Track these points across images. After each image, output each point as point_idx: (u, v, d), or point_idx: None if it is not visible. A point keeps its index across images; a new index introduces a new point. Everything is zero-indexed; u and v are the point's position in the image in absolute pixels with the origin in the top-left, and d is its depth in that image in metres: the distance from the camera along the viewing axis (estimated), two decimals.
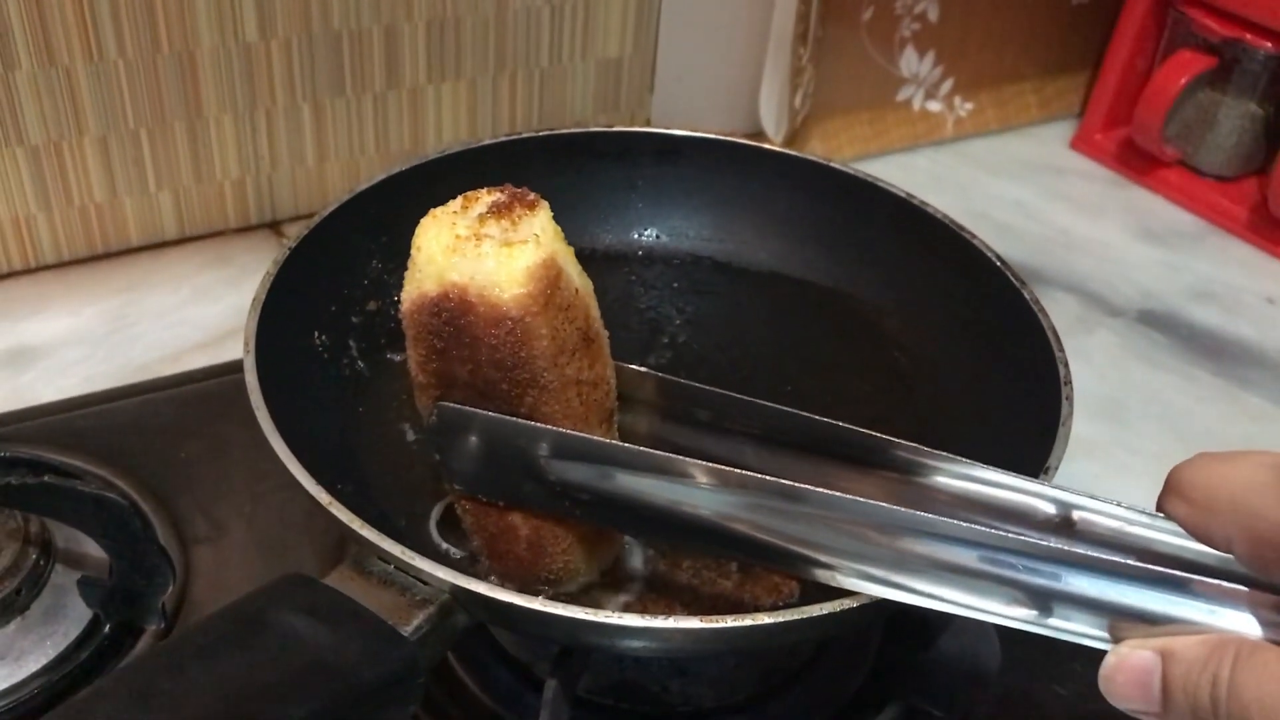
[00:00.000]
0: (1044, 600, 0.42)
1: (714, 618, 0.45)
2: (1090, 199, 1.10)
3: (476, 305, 0.47)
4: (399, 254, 0.66)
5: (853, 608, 0.46)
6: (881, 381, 0.67)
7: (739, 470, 0.46)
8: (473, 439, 0.50)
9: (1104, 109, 1.13)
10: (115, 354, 0.81)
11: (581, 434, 0.50)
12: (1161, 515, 0.43)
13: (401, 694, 0.44)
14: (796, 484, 0.45)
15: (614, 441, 0.51)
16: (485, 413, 0.50)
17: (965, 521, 0.43)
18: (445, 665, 0.60)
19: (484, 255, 0.46)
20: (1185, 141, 1.08)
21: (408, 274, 0.49)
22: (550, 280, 0.47)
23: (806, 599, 0.55)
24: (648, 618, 0.46)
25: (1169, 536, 0.43)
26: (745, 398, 0.54)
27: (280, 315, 0.58)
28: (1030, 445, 0.54)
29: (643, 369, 0.57)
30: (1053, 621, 0.42)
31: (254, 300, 0.58)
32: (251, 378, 0.53)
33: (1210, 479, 0.41)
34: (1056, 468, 0.52)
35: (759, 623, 0.45)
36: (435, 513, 0.60)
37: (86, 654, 0.59)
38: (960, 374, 0.65)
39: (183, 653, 0.41)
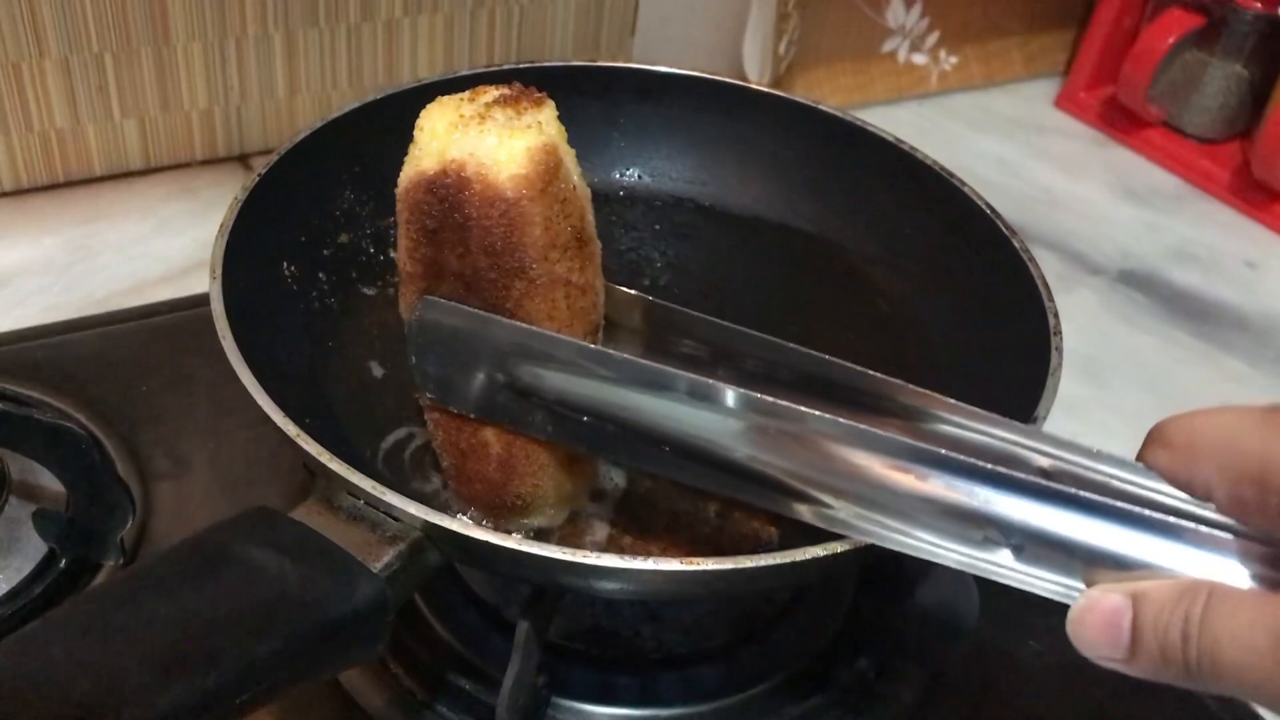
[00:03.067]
0: (1020, 540, 0.41)
1: (693, 560, 0.44)
2: (1073, 157, 1.09)
3: (473, 183, 0.47)
4: (371, 185, 0.65)
5: (836, 553, 0.44)
6: (865, 330, 0.66)
7: (730, 386, 0.45)
8: (452, 339, 0.49)
9: (1089, 67, 1.12)
10: (76, 285, 0.78)
11: (562, 336, 0.49)
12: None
13: (369, 632, 0.43)
14: (788, 404, 0.44)
15: (596, 346, 0.50)
16: (469, 308, 0.49)
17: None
18: (412, 606, 0.58)
19: (486, 133, 0.47)
20: (1170, 102, 1.07)
21: (408, 155, 0.48)
22: (549, 167, 0.47)
23: (785, 546, 0.54)
24: (626, 558, 0.44)
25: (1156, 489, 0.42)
26: (740, 328, 0.53)
27: (248, 244, 0.56)
28: (1017, 395, 0.53)
29: (633, 291, 0.55)
30: (1027, 567, 0.41)
31: (221, 226, 0.55)
32: (218, 305, 0.51)
33: (1194, 424, 0.40)
34: (1045, 417, 0.50)
35: (740, 566, 0.44)
36: (386, 443, 0.59)
37: (41, 589, 0.57)
38: (946, 323, 0.64)
39: (141, 584, 0.39)
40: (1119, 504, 0.39)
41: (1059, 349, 0.54)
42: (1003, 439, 0.45)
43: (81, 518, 0.58)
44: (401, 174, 0.48)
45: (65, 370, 0.69)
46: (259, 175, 0.59)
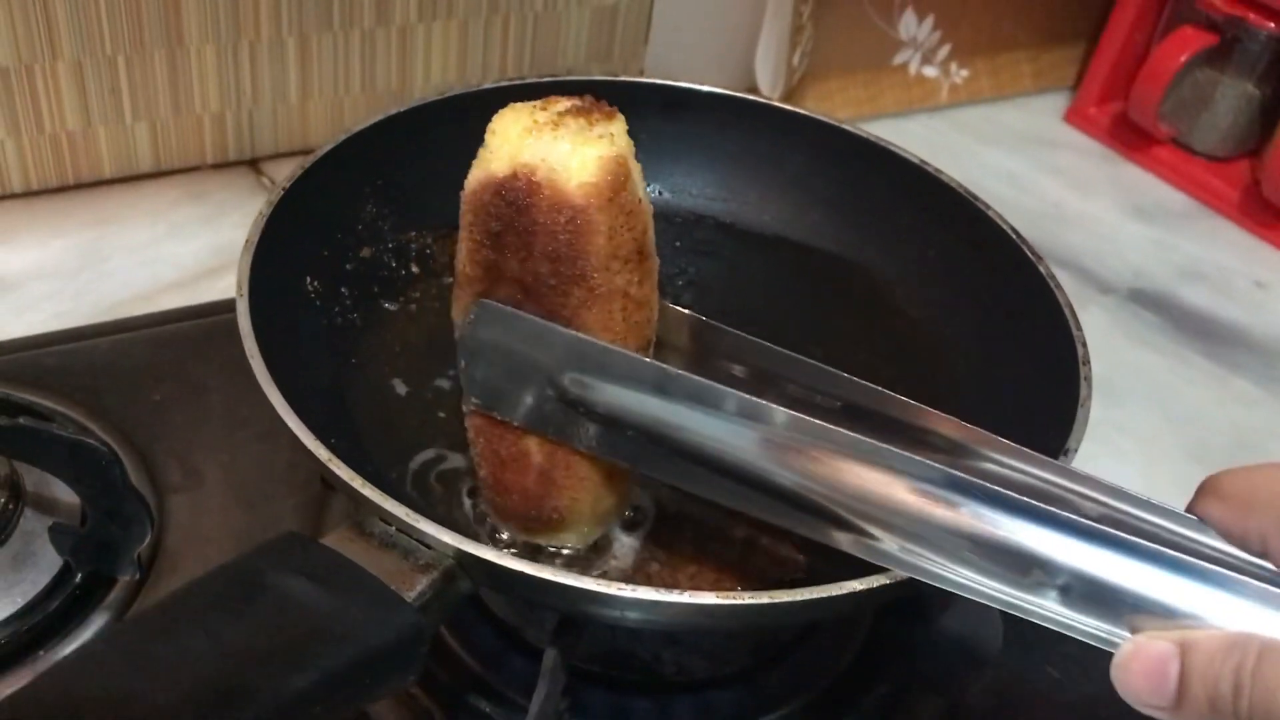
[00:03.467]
0: (1067, 582, 0.41)
1: (728, 594, 0.44)
2: (1082, 173, 1.09)
3: (543, 188, 0.47)
4: (392, 199, 0.65)
5: (873, 588, 0.44)
6: (887, 353, 0.65)
7: (780, 408, 0.45)
8: (506, 345, 0.49)
9: (1100, 83, 1.12)
10: (86, 290, 0.77)
11: (617, 348, 0.49)
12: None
13: (403, 662, 0.42)
14: (839, 429, 0.43)
15: (653, 361, 0.49)
16: (525, 314, 0.49)
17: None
18: None
19: (559, 140, 0.47)
20: (1180, 120, 1.07)
21: (477, 158, 0.49)
22: (618, 178, 0.47)
23: (813, 571, 0.54)
24: (660, 591, 0.44)
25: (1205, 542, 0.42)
26: (787, 352, 0.53)
27: (272, 259, 0.56)
28: (1044, 425, 0.53)
29: (685, 310, 0.55)
30: (1072, 611, 0.41)
31: (247, 242, 0.55)
32: (245, 323, 0.51)
33: (1251, 478, 0.40)
34: (1076, 450, 0.50)
35: (776, 600, 0.44)
36: (413, 464, 0.58)
37: (56, 603, 0.56)
38: (970, 348, 0.63)
39: (178, 615, 0.39)
40: (1170, 552, 0.39)
41: (1088, 379, 0.54)
42: (1047, 480, 0.45)
43: (97, 532, 0.57)
44: (469, 176, 0.49)
45: (77, 379, 0.68)
46: (283, 189, 0.58)
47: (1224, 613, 0.38)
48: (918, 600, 0.59)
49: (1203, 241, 1.01)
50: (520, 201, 0.47)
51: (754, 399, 0.45)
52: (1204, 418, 0.84)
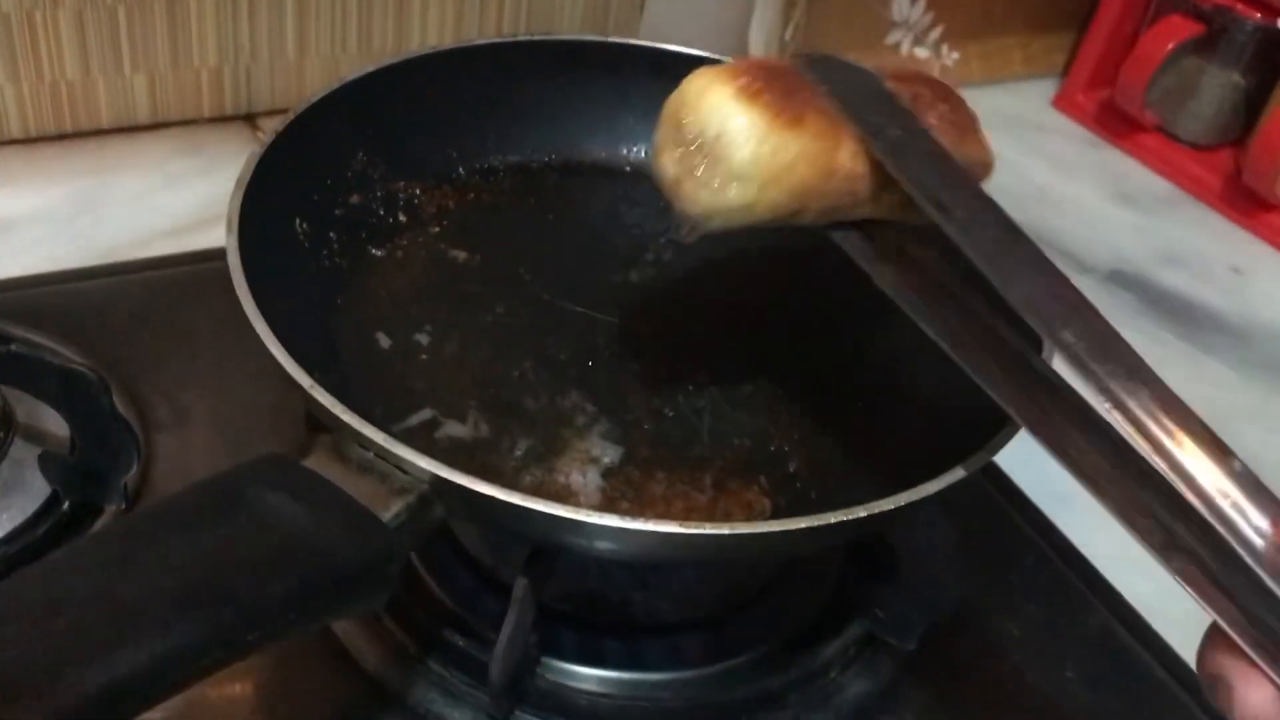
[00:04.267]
0: None
1: (692, 523, 0.45)
2: (1068, 158, 1.10)
3: None
4: (384, 148, 0.66)
5: (829, 524, 0.46)
6: (865, 313, 0.67)
7: None
8: None
9: (1088, 70, 1.13)
10: (81, 235, 0.79)
11: None
12: None
13: (376, 580, 0.44)
14: None
15: None
16: None
17: None
18: (409, 566, 0.59)
19: None
20: (1165, 108, 1.08)
21: None
22: None
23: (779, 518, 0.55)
24: (627, 519, 0.45)
25: None
26: None
27: (263, 200, 0.57)
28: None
29: None
30: None
31: (238, 181, 0.56)
32: (234, 258, 0.52)
33: None
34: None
35: (736, 532, 0.45)
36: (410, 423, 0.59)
37: (44, 529, 0.57)
38: None
39: (161, 523, 0.40)
40: None
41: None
42: None
43: (86, 461, 0.58)
44: None
45: (70, 318, 0.69)
46: (275, 132, 0.59)
47: None
48: (881, 553, 0.61)
49: (1183, 227, 1.03)
50: None
51: None
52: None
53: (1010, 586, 0.67)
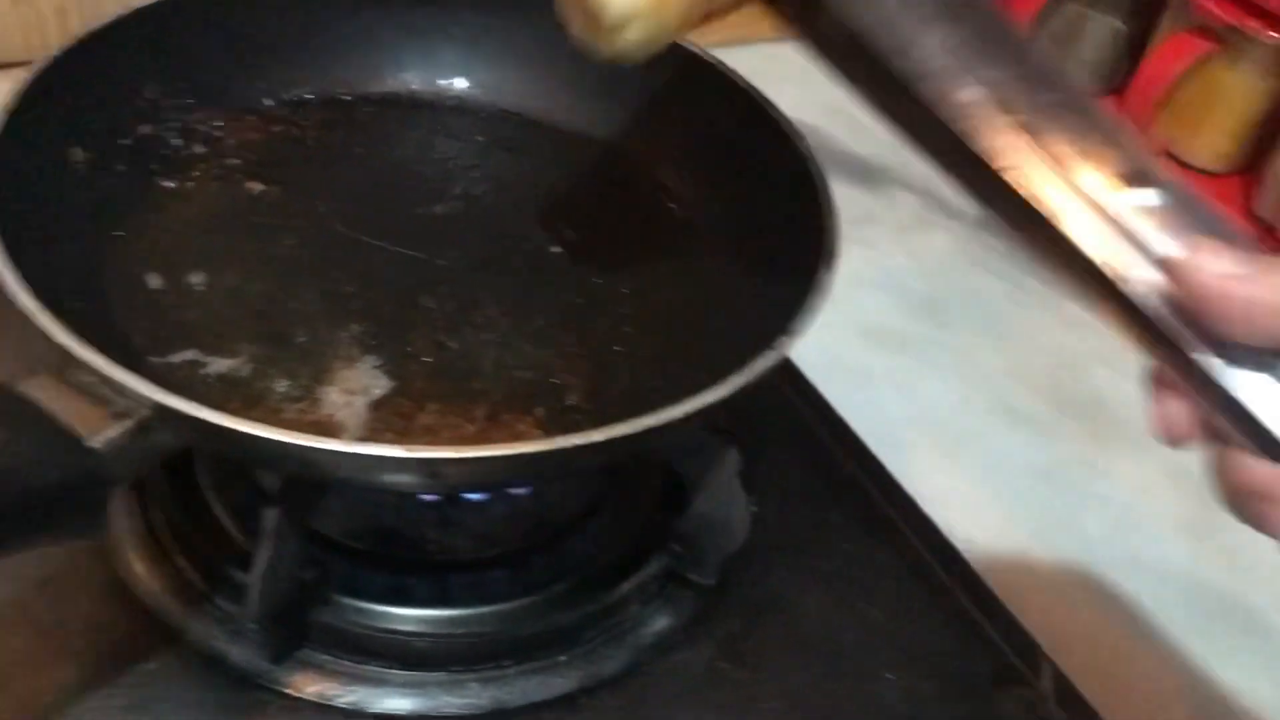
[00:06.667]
0: None
1: (416, 447, 0.44)
2: None
3: None
4: (179, 79, 0.64)
5: (580, 445, 0.45)
6: (665, 244, 0.66)
7: None
8: None
9: None
10: None
11: None
12: None
13: (80, 505, 0.43)
14: None
15: None
16: None
17: None
18: (200, 501, 0.58)
19: None
20: None
21: None
22: None
23: None
24: (376, 446, 0.44)
25: None
26: None
27: (32, 122, 0.55)
28: (789, 305, 0.53)
29: None
30: None
31: (4, 107, 0.54)
32: None
33: None
34: (797, 332, 0.51)
35: (463, 455, 0.44)
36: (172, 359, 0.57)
37: None
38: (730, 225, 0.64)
39: None
40: None
41: (829, 263, 0.54)
42: None
43: None
44: None
45: None
46: (51, 57, 0.58)
47: None
48: (675, 485, 0.60)
49: None
50: None
51: None
52: (1030, 340, 0.85)
53: (830, 525, 0.66)
